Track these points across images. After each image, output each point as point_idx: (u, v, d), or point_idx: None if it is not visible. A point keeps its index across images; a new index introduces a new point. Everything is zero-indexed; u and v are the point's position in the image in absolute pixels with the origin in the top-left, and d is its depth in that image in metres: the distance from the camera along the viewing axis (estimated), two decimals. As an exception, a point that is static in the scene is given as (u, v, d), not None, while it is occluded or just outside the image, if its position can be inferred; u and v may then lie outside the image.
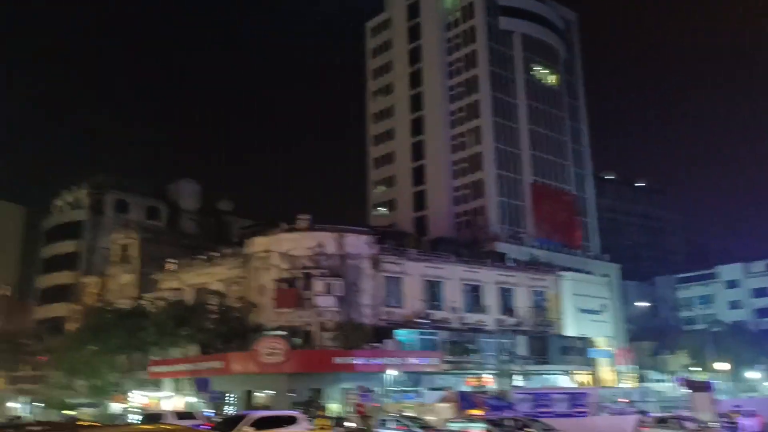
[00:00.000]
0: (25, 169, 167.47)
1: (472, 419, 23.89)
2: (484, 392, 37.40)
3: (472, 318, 49.13)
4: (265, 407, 35.91)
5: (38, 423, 14.66)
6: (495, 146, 67.87)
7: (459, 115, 70.75)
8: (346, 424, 28.96)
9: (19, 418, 50.35)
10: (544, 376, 47.95)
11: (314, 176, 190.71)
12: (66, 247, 64.31)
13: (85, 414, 46.69)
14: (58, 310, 61.69)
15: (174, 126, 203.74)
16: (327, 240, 46.50)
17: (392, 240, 50.55)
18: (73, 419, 35.30)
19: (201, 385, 34.39)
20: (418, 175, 71.98)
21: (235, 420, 20.60)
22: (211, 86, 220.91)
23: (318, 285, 45.00)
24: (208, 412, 35.53)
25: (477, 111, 68.97)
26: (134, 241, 58.37)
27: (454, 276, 49.40)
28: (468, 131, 69.65)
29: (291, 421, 19.61)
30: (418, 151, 72.55)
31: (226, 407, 41.22)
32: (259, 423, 19.05)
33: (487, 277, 50.84)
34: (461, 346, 45.45)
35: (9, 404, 58.85)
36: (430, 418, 27.17)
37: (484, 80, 69.34)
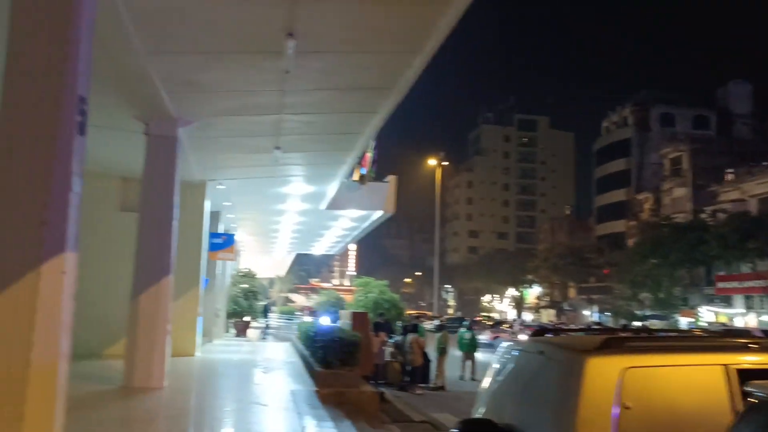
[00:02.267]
0: (572, 98, 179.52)
1: None
2: None
3: None
4: None
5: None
6: None
7: None
8: None
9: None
10: None
11: None
12: (616, 165, 66.32)
13: (653, 326, 47.91)
14: (615, 226, 64.52)
15: (714, 28, 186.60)
16: None
17: None
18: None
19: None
20: None
21: None
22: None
23: None
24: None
25: None
26: (684, 153, 56.07)
27: None
28: None
29: None
30: None
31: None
32: None
33: None
34: None
35: (584, 312, 64.95)
36: None
37: None
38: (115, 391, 9.92)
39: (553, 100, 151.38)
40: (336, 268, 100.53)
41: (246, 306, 26.61)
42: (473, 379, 17.46)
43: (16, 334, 4.85)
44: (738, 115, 64.00)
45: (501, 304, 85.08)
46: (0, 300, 4.84)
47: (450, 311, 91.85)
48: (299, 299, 78.71)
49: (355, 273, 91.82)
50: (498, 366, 4.91)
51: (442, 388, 16.11)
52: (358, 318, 14.69)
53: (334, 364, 11.43)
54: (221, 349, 19.52)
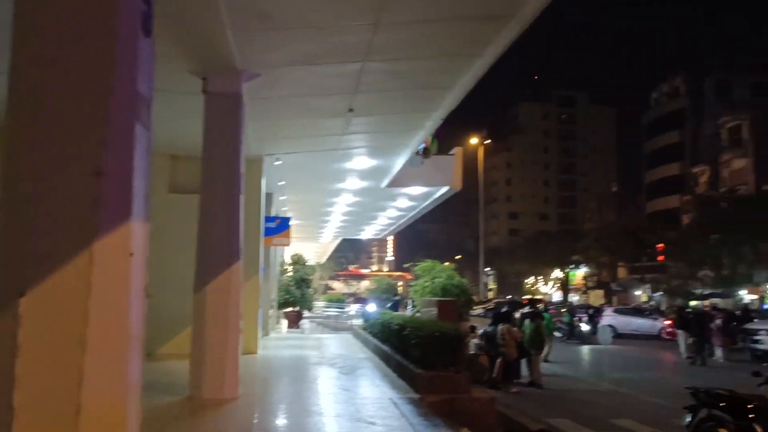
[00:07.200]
0: (614, 71, 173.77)
1: None
2: None
3: None
4: None
5: None
6: None
7: None
8: None
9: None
10: None
11: None
12: (669, 138, 63.04)
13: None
14: (668, 202, 61.44)
15: None
16: None
17: None
18: None
19: None
20: None
21: None
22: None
23: None
24: None
25: None
26: (744, 122, 52.75)
27: None
28: None
29: None
30: None
31: None
32: None
33: None
34: None
35: (636, 293, 62.22)
36: None
37: None
38: (182, 405, 8.09)
39: (594, 74, 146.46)
40: (375, 254, 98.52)
41: (298, 295, 24.85)
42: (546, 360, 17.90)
43: (62, 354, 2.92)
44: (799, 80, 60.14)
45: (545, 287, 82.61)
46: (34, 302, 2.91)
47: (490, 294, 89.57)
48: (339, 286, 77.18)
49: (393, 258, 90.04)
50: None
51: (539, 385, 14.10)
52: (446, 307, 12.70)
53: (437, 364, 9.48)
54: (280, 344, 17.74)
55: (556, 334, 25.42)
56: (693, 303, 44.71)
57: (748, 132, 52.48)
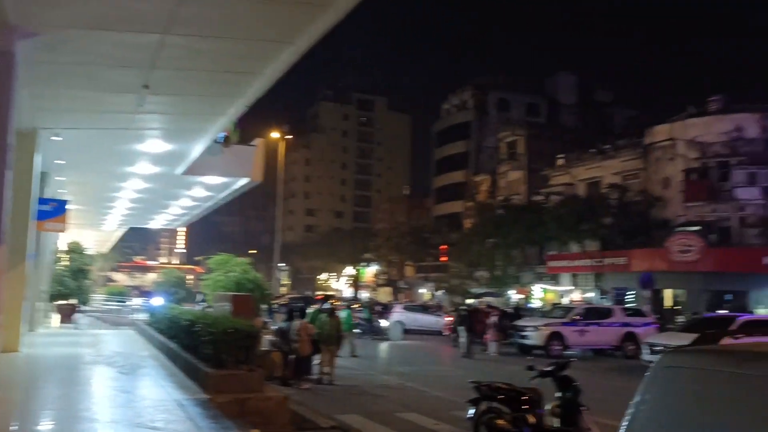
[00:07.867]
0: (408, 81, 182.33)
1: None
2: None
3: None
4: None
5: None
6: None
7: None
8: None
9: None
10: None
11: (709, 55, 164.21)
12: (456, 148, 67.73)
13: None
14: (452, 207, 66.00)
15: (546, 17, 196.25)
16: (747, 122, 39.97)
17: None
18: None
19: (644, 282, 32.97)
20: None
21: (708, 322, 18.17)
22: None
23: (738, 175, 39.29)
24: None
25: None
26: (520, 138, 58.38)
27: None
28: None
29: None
30: None
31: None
32: (748, 327, 16.33)
33: None
34: None
35: (421, 290, 65.91)
36: None
37: None
38: None
39: (392, 81, 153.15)
40: (164, 245, 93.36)
41: (74, 287, 22.57)
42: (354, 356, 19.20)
43: None
44: (564, 104, 68.04)
45: (338, 283, 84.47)
46: None
47: (283, 290, 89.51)
48: (122, 278, 72.03)
49: (185, 250, 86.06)
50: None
51: (330, 381, 14.12)
52: (241, 302, 12.20)
53: (229, 363, 9.00)
54: (50, 340, 15.90)
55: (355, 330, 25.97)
56: (469, 301, 48.48)
57: (522, 147, 58.12)
